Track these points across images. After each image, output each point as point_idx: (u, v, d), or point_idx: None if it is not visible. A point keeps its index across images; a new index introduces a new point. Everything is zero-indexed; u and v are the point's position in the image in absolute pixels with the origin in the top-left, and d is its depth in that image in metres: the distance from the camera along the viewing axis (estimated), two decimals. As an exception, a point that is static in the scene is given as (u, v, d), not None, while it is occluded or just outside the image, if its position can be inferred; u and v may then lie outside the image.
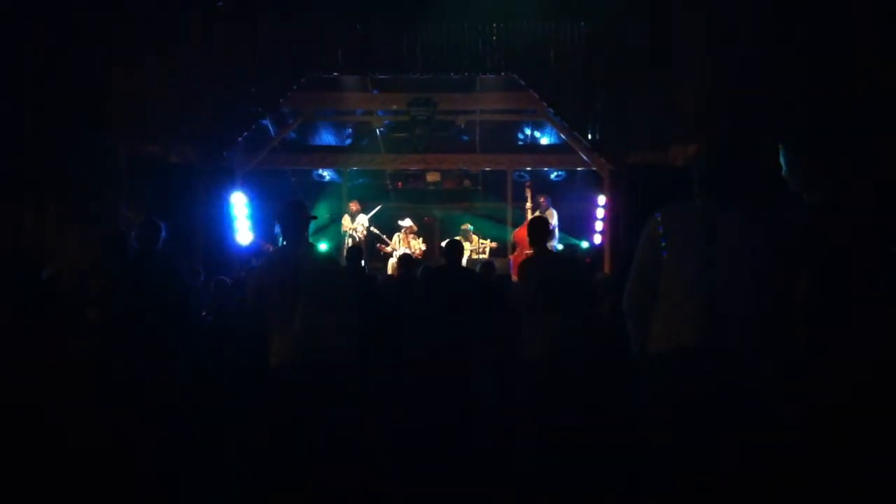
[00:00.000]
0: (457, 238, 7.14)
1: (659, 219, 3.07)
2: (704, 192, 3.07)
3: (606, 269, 10.46)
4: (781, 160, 2.99)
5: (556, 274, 5.35)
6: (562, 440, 4.85)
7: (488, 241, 12.57)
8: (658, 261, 2.98)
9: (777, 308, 2.70)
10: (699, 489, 2.71)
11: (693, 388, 2.77)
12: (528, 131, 13.40)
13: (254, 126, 10.80)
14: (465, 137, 13.23)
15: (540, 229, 5.67)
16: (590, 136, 10.48)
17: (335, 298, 4.33)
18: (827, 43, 6.26)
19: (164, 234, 4.97)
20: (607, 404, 4.92)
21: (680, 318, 2.89)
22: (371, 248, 11.90)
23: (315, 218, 4.69)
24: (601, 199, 11.55)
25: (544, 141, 13.43)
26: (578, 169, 12.96)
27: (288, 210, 4.49)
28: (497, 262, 9.93)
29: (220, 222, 10.51)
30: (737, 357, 2.79)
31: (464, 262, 11.27)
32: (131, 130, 8.68)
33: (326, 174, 14.12)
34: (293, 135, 12.89)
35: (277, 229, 4.44)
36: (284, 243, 4.61)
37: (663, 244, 2.98)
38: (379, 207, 11.52)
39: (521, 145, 13.58)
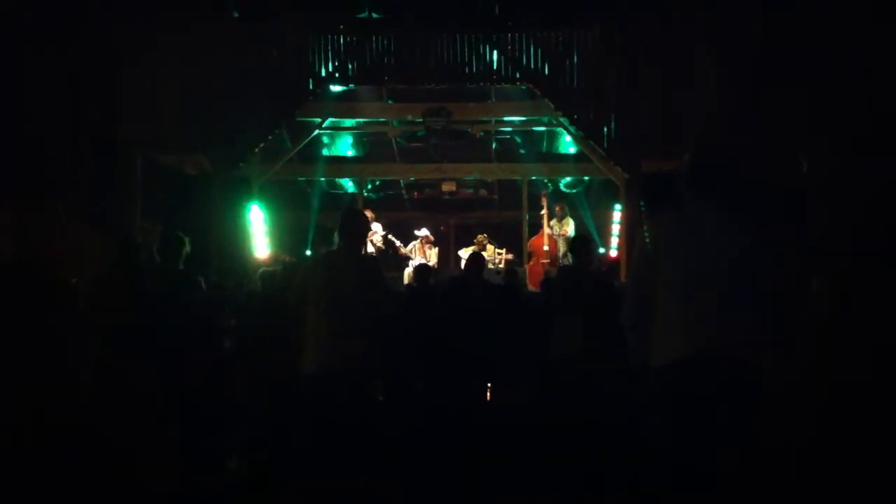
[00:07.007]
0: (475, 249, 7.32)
1: (651, 227, 2.92)
2: (696, 197, 2.89)
3: (623, 277, 10.38)
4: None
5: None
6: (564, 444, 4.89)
7: (504, 250, 12.52)
8: (653, 271, 2.85)
9: (780, 315, 2.61)
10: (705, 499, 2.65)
11: (695, 399, 2.66)
12: (543, 140, 13.36)
13: (270, 137, 10.85)
14: (495, 144, 13.15)
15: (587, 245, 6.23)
16: (605, 145, 10.46)
17: (376, 308, 4.31)
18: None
19: (187, 248, 4.87)
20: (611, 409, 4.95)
21: (680, 329, 2.76)
22: (387, 257, 11.88)
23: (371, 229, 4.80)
24: (617, 208, 11.49)
25: (560, 150, 13.38)
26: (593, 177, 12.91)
27: (346, 217, 4.56)
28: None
29: (237, 233, 10.51)
30: (739, 366, 2.67)
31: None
32: (146, 140, 8.75)
33: (342, 184, 14.15)
34: (309, 145, 12.93)
35: (336, 236, 4.54)
36: (335, 248, 4.63)
37: (655, 251, 2.85)
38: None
39: (536, 154, 13.53)
